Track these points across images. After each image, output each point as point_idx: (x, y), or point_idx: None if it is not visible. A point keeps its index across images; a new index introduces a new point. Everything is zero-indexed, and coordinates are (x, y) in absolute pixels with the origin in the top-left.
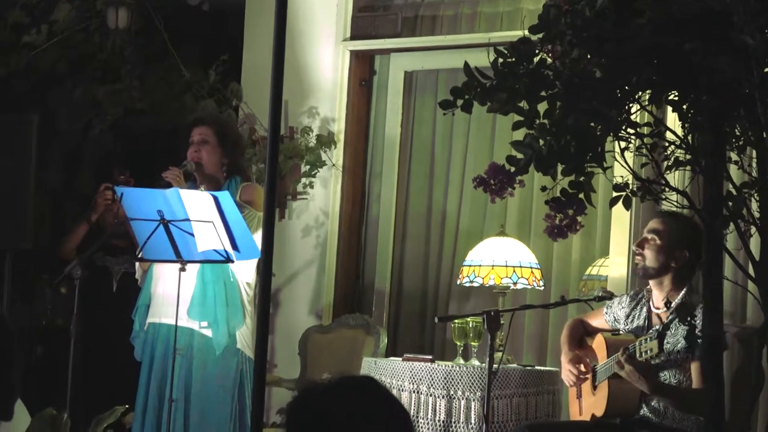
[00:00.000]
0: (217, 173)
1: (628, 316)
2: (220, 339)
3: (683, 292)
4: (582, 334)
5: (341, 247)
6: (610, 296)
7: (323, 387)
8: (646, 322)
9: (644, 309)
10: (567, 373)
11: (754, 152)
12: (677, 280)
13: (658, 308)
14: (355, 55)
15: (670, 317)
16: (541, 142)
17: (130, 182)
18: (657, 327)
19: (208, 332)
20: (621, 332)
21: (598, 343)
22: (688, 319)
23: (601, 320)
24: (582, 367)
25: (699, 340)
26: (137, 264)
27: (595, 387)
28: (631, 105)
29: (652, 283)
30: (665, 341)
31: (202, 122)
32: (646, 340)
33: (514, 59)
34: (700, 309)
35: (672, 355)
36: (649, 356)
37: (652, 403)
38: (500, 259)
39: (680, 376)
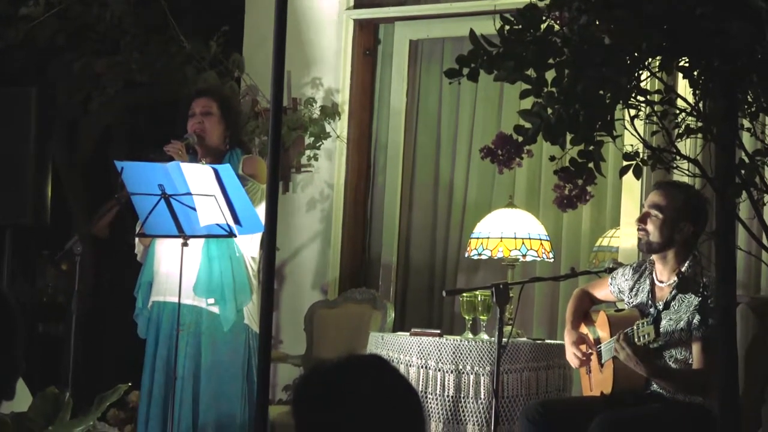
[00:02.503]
0: (219, 145)
1: (631, 289)
2: (228, 315)
3: (687, 264)
4: (588, 307)
5: (347, 221)
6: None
7: (330, 366)
8: (650, 295)
9: (647, 282)
10: (571, 355)
11: (767, 119)
12: (681, 252)
13: (661, 281)
14: (359, 24)
15: (672, 293)
16: (550, 110)
17: None
18: (659, 304)
19: (216, 309)
20: (626, 305)
21: (601, 321)
22: (701, 290)
23: (606, 291)
24: (584, 348)
25: (703, 322)
26: (137, 240)
27: (601, 365)
28: (641, 72)
29: (655, 256)
30: (668, 317)
31: (204, 93)
32: (643, 324)
33: (521, 26)
34: (701, 287)
35: (676, 333)
36: (647, 341)
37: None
38: (509, 231)
39: (686, 353)
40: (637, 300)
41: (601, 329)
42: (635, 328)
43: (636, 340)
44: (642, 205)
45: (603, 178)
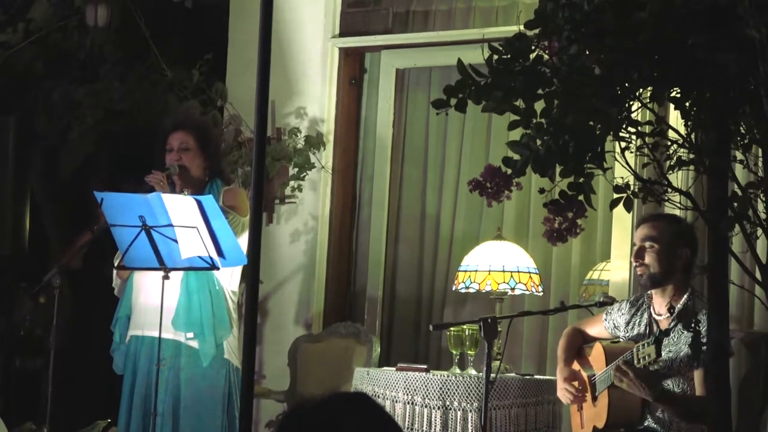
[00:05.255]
0: (200, 177)
1: (628, 323)
2: (207, 350)
3: (686, 296)
4: (580, 344)
5: (331, 253)
6: (612, 302)
7: (314, 403)
8: (647, 329)
9: (645, 315)
10: (563, 392)
11: (760, 151)
12: (680, 283)
13: (659, 314)
14: (345, 53)
15: (672, 323)
16: (539, 142)
17: None
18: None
19: (195, 343)
20: (621, 340)
21: (597, 353)
22: (692, 325)
23: (600, 327)
24: (578, 384)
25: (703, 347)
26: (114, 273)
27: (595, 398)
28: (631, 103)
29: (654, 290)
30: (667, 349)
31: (180, 127)
32: (643, 345)
33: (509, 56)
34: (704, 314)
35: (675, 363)
36: (647, 362)
37: (657, 413)
38: (497, 264)
39: (684, 385)
40: (634, 333)
41: (596, 361)
42: (635, 350)
43: (636, 362)
44: (632, 238)
45: (593, 210)
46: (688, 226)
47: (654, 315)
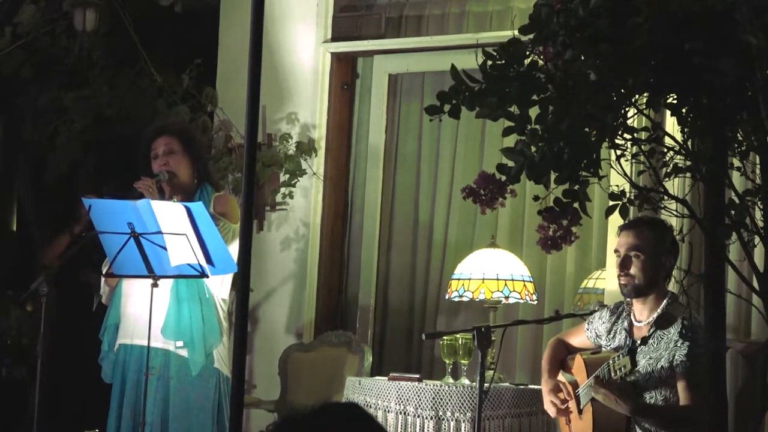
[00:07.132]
0: (188, 182)
1: (609, 332)
2: (197, 359)
3: (665, 302)
4: (565, 356)
5: (323, 261)
6: None
7: (305, 413)
8: (627, 336)
9: (625, 323)
10: (548, 404)
11: (758, 158)
12: (661, 290)
13: (639, 321)
14: (337, 58)
15: (651, 331)
16: (533, 148)
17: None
18: (637, 341)
19: (184, 352)
20: (603, 348)
21: (578, 365)
22: (681, 330)
23: (582, 337)
24: (563, 396)
25: (684, 353)
26: (102, 280)
27: (580, 411)
28: (627, 109)
29: (637, 299)
30: (648, 356)
31: (163, 132)
32: (619, 356)
33: (504, 61)
34: (683, 320)
35: (655, 372)
36: (623, 373)
37: (644, 424)
38: (491, 272)
39: (666, 393)
40: (615, 343)
41: (578, 373)
42: (611, 362)
43: (612, 374)
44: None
45: (588, 218)
46: (670, 232)
47: (634, 322)
